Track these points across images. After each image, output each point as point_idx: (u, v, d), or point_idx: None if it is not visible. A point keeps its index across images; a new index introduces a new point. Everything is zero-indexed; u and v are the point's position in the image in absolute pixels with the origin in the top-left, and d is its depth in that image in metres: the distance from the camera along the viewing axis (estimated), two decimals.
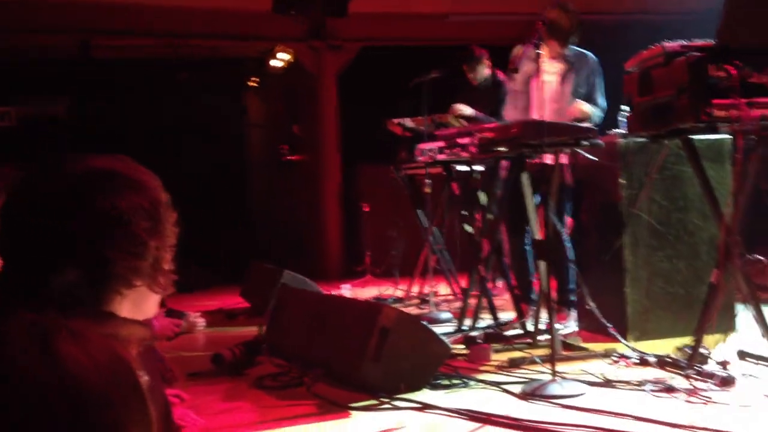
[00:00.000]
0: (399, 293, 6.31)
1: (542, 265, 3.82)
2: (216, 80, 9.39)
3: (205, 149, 9.21)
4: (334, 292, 5.70)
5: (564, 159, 4.19)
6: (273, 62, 8.96)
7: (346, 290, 6.59)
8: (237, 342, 3.89)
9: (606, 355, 3.68)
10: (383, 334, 3.19)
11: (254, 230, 9.86)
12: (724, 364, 3.18)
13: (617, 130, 4.18)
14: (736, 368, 3.24)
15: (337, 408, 3.07)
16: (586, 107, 4.44)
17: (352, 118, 8.29)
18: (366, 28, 8.18)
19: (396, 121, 6.07)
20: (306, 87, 8.72)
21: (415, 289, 6.20)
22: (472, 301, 4.62)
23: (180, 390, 3.10)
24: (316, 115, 8.56)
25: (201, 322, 4.86)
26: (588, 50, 4.60)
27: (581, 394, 3.07)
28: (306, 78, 8.51)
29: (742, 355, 3.46)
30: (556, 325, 3.56)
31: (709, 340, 3.34)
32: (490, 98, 5.61)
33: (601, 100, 4.54)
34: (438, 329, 3.89)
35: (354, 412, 3.01)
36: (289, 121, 9.49)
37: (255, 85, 10.18)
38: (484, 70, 5.79)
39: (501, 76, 5.62)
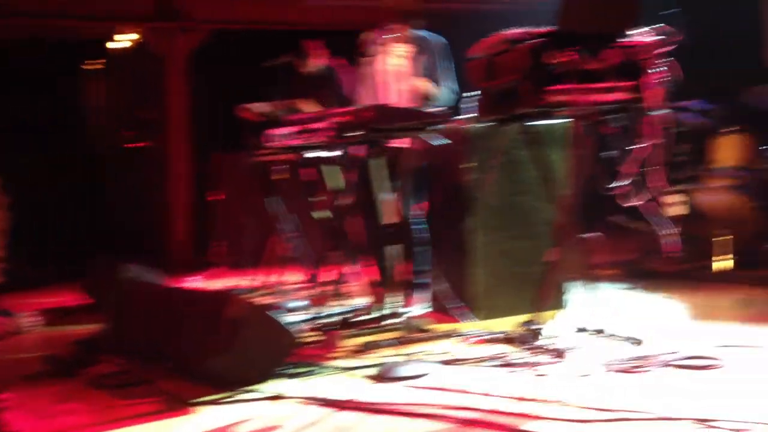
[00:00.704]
0: (252, 283, 6.19)
1: (393, 249, 3.87)
2: (55, 63, 8.80)
3: (43, 138, 8.62)
4: (183, 284, 5.52)
5: (419, 143, 4.26)
6: (117, 44, 8.52)
7: (197, 282, 6.40)
8: (74, 340, 3.67)
9: (454, 334, 3.78)
10: (231, 325, 3.10)
11: (98, 221, 9.36)
12: (560, 338, 3.34)
13: (466, 115, 4.27)
14: (572, 341, 3.41)
15: (179, 404, 2.95)
16: (430, 88, 4.52)
17: (204, 104, 8.04)
18: (219, 10, 7.94)
19: (248, 106, 5.94)
20: (153, 70, 8.35)
21: (268, 279, 6.10)
22: (325, 288, 4.60)
23: (11, 394, 2.89)
24: (165, 100, 8.23)
25: (33, 321, 4.55)
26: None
27: (431, 374, 3.12)
28: (153, 61, 8.16)
29: (577, 328, 3.65)
30: (408, 308, 3.61)
31: (547, 315, 3.49)
32: (325, 87, 5.67)
33: (450, 82, 4.63)
34: (291, 318, 3.84)
35: (198, 408, 2.90)
36: (134, 105, 9.08)
37: (97, 68, 9.65)
38: (316, 62, 5.89)
39: (337, 63, 5.71)
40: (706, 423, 2.28)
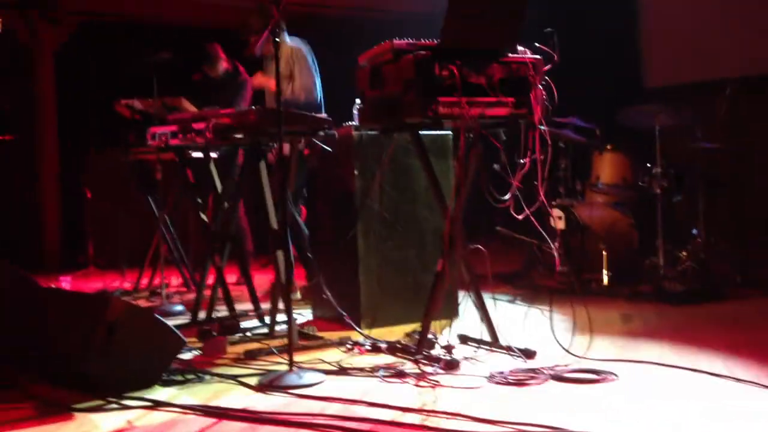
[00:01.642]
0: (126, 285, 5.95)
1: (279, 254, 3.81)
2: None
3: None
4: (53, 285, 5.22)
5: (303, 148, 4.25)
6: None
7: (66, 283, 6.08)
8: None
9: (341, 343, 3.75)
10: (110, 328, 2.95)
11: None
12: (448, 349, 3.39)
13: (352, 122, 4.28)
14: (459, 352, 3.47)
15: (58, 409, 2.79)
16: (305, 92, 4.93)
17: (76, 98, 7.68)
18: (89, 1, 7.62)
19: (124, 102, 5.71)
20: (18, 61, 7.89)
21: (144, 281, 5.88)
22: (207, 293, 4.47)
23: None
24: (31, 93, 7.79)
25: None
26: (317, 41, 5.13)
27: (318, 383, 3.08)
28: (19, 51, 7.71)
29: (464, 339, 3.71)
30: (295, 315, 3.56)
31: (435, 325, 3.53)
32: (229, 89, 5.78)
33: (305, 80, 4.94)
34: (170, 322, 3.70)
35: (78, 414, 2.75)
36: None
37: None
38: (222, 64, 5.96)
39: (239, 66, 5.94)
40: None
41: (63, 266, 7.24)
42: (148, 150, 5.19)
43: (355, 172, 4.21)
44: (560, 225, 5.15)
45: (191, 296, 5.17)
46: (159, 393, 3.00)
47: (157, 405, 2.84)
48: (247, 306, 4.49)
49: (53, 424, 2.66)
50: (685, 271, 4.84)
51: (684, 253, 4.94)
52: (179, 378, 3.18)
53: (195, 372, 3.26)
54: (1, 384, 3.10)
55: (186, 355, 3.62)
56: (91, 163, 7.58)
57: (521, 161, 3.43)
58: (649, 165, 5.07)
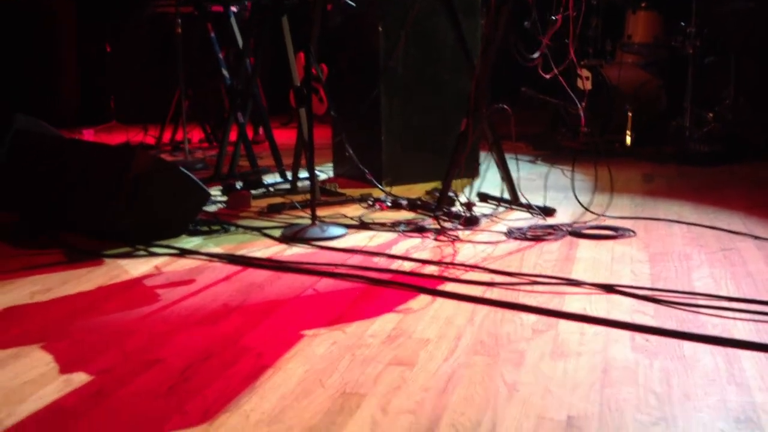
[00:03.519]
0: (149, 140, 5.99)
1: (302, 111, 3.79)
2: None
3: None
4: (81, 138, 5.27)
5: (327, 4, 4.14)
6: None
7: (89, 137, 6.12)
8: None
9: (362, 199, 3.80)
10: (136, 181, 3.00)
11: None
12: (468, 206, 3.42)
13: None
14: (479, 209, 3.51)
15: (87, 256, 2.89)
16: None
17: None
18: None
19: None
20: None
21: (166, 136, 5.92)
22: (229, 149, 4.50)
23: None
24: None
25: None
26: None
27: (340, 236, 3.15)
28: None
29: (484, 197, 3.75)
30: (318, 172, 3.59)
31: (456, 184, 3.55)
32: None
33: None
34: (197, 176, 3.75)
35: (107, 260, 2.85)
36: None
37: None
38: None
39: None
40: (614, 288, 2.41)
41: (84, 121, 7.27)
42: (168, 3, 5.08)
43: (380, 29, 4.11)
44: (587, 85, 5.06)
45: (213, 152, 5.22)
46: (185, 242, 3.08)
47: (183, 253, 2.93)
48: (269, 162, 4.53)
49: (83, 268, 2.75)
50: (710, 132, 4.79)
51: (711, 115, 4.86)
52: (205, 229, 3.26)
53: (220, 223, 3.34)
54: (30, 232, 3.19)
55: (211, 208, 3.70)
56: (110, 17, 7.46)
57: (552, 18, 3.33)
58: (683, 24, 4.90)
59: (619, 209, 3.49)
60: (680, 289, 2.35)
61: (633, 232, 3.09)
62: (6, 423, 1.60)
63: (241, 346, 2.00)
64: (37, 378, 1.82)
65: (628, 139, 5.00)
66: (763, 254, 2.74)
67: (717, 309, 2.17)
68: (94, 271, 2.73)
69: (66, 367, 1.89)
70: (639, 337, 1.99)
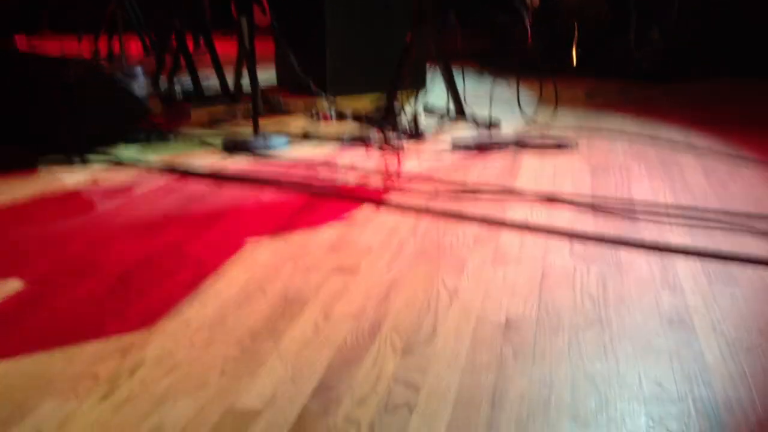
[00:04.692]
0: (84, 52, 5.75)
1: (243, 20, 3.67)
2: None
3: None
4: (14, 47, 5.03)
5: None
6: None
7: (21, 44, 5.84)
8: None
9: (306, 111, 3.74)
10: (71, 88, 2.88)
11: None
12: (414, 118, 3.39)
13: None
14: (424, 121, 3.48)
15: (22, 164, 2.80)
16: None
17: None
18: None
19: None
20: None
21: (102, 47, 5.69)
22: (169, 59, 4.35)
23: None
24: None
25: None
26: None
27: (283, 147, 3.10)
28: None
29: (429, 109, 3.72)
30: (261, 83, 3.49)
31: (401, 96, 3.51)
32: None
33: None
34: (137, 85, 3.63)
35: (42, 168, 2.76)
36: None
37: None
38: None
39: None
40: (555, 198, 2.43)
41: (16, 28, 6.92)
42: None
43: None
44: (535, 2, 5.01)
45: (152, 62, 5.03)
46: (122, 151, 3.00)
47: (120, 162, 2.85)
48: (210, 74, 4.39)
49: (16, 180, 2.66)
50: (654, 50, 4.81)
51: (655, 32, 4.88)
52: (143, 138, 3.17)
53: (159, 133, 3.25)
54: None
55: (154, 117, 3.59)
56: None
57: None
58: None
59: (562, 122, 3.51)
60: (620, 198, 2.39)
61: (576, 144, 3.11)
62: None
63: (182, 254, 1.98)
64: None
65: (574, 56, 5.00)
66: (701, 164, 2.80)
67: (654, 217, 2.21)
68: (29, 180, 2.64)
69: (1, 273, 1.84)
70: (577, 244, 2.02)
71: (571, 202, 2.35)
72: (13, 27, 6.95)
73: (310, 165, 2.85)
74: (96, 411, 1.26)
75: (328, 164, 2.86)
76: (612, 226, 2.15)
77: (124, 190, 2.54)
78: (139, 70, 4.83)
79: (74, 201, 2.42)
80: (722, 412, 1.23)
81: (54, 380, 1.36)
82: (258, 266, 1.89)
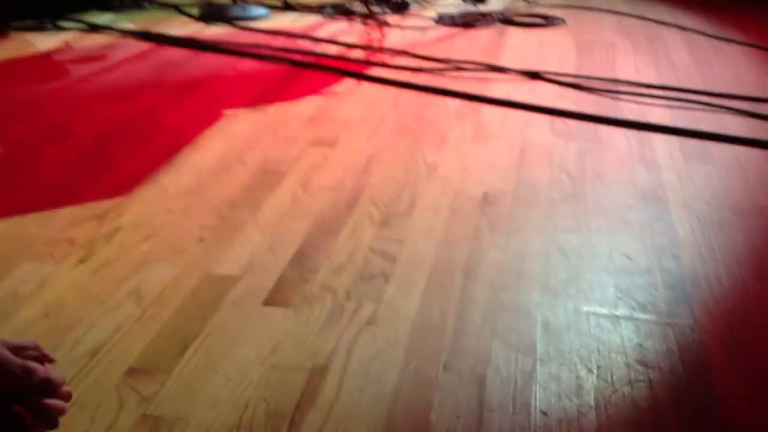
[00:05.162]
0: None
1: None
2: None
3: None
4: None
5: None
6: None
7: None
8: None
9: None
10: None
11: None
12: None
13: None
14: None
15: None
16: None
17: None
18: None
19: None
20: None
21: None
22: None
23: None
24: None
25: None
26: None
27: (263, 16, 3.01)
28: None
29: None
30: None
31: None
32: None
33: None
34: None
35: (13, 33, 2.68)
36: None
37: None
38: None
39: None
40: (538, 75, 2.40)
41: None
42: None
43: None
44: None
45: None
46: (95, 17, 2.90)
47: (94, 28, 2.77)
48: None
49: None
50: None
51: None
52: (116, 3, 3.06)
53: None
54: None
55: None
56: None
57: None
58: None
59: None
60: (603, 76, 2.37)
61: (563, 21, 3.05)
62: None
63: (158, 122, 1.95)
64: None
65: None
66: (687, 43, 2.76)
67: (636, 95, 2.20)
68: (4, 46, 2.56)
69: None
70: (558, 121, 2.01)
71: (554, 81, 2.32)
72: None
73: (291, 36, 2.78)
74: (73, 273, 1.27)
75: (309, 36, 2.79)
76: (594, 104, 2.14)
77: (98, 56, 2.47)
78: None
79: (47, 66, 2.36)
80: (688, 285, 1.26)
81: (30, 244, 1.36)
82: (236, 137, 1.87)
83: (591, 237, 1.42)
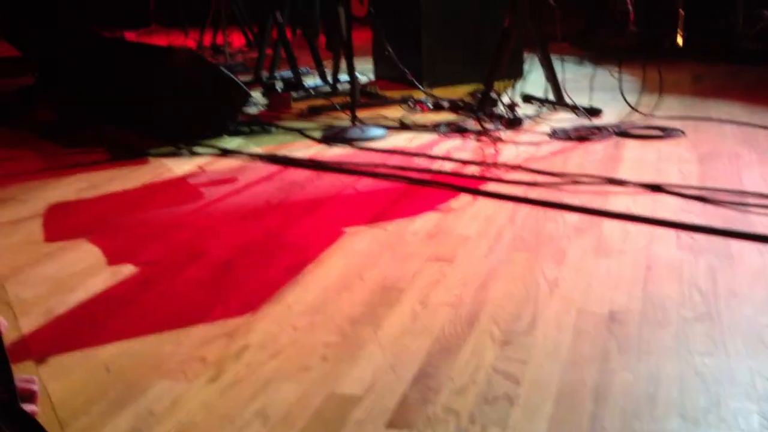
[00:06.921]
0: (190, 43, 5.95)
1: (340, 11, 3.70)
2: None
3: None
4: (124, 37, 5.25)
5: None
6: None
7: (133, 38, 6.09)
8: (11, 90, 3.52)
9: (403, 101, 3.75)
10: (173, 74, 2.99)
11: None
12: (511, 107, 3.35)
13: None
14: (522, 110, 3.43)
15: (133, 154, 2.93)
16: None
17: None
18: None
19: None
20: None
21: (207, 39, 5.87)
22: (268, 51, 4.45)
23: None
24: None
25: None
26: None
27: (380, 137, 3.12)
28: None
29: (528, 98, 3.66)
30: (357, 74, 3.53)
31: (499, 85, 3.47)
32: None
33: None
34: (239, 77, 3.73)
35: (152, 159, 2.88)
36: None
37: None
38: None
39: None
40: (660, 188, 2.36)
41: (123, 23, 7.22)
42: None
43: None
44: None
45: (254, 55, 5.15)
46: (227, 142, 3.09)
47: (225, 152, 2.94)
48: (310, 65, 4.47)
49: (127, 167, 2.78)
50: (764, 29, 4.58)
51: (765, 12, 4.65)
52: (246, 129, 3.26)
53: (261, 124, 3.33)
54: (76, 128, 3.22)
55: (251, 110, 3.69)
56: None
57: None
58: None
59: (667, 110, 3.38)
60: (729, 188, 2.30)
61: (682, 132, 3.00)
62: (57, 311, 1.65)
63: (283, 241, 2.02)
64: (85, 269, 1.87)
65: (680, 39, 4.82)
66: None
67: (766, 208, 2.11)
68: (139, 169, 2.76)
69: (113, 259, 1.93)
70: (684, 235, 1.95)
71: (677, 193, 2.27)
72: (122, 22, 7.25)
73: (407, 154, 2.86)
74: (204, 393, 1.31)
75: (424, 154, 2.86)
76: (721, 217, 2.07)
77: (229, 179, 2.61)
78: (241, 63, 4.97)
79: (182, 189, 2.52)
80: None
81: (165, 362, 1.42)
82: (356, 254, 1.91)
83: (729, 359, 1.34)
